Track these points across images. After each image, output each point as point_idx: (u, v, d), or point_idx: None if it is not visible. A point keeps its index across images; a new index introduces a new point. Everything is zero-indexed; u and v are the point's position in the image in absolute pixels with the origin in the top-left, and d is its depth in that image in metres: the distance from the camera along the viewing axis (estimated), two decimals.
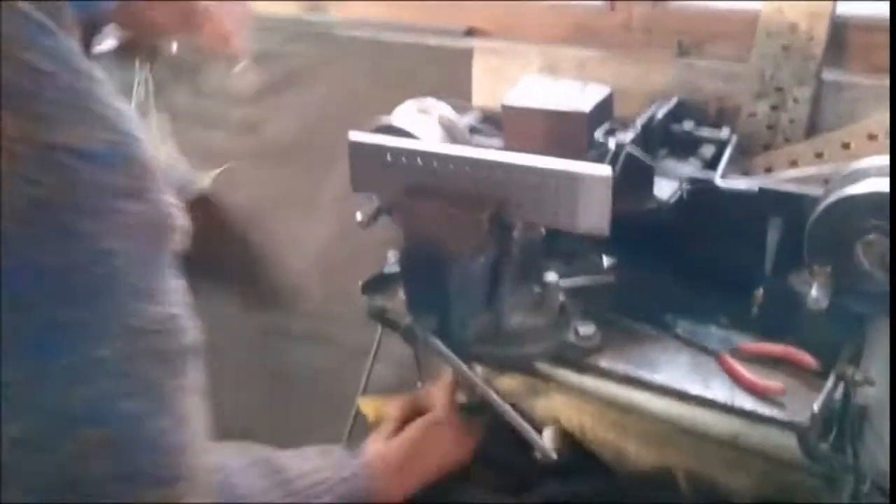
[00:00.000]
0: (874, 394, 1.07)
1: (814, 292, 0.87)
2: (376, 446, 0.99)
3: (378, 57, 1.44)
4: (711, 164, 1.06)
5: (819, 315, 0.90)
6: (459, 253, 0.88)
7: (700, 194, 1.01)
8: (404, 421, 1.05)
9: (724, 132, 1.08)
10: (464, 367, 0.92)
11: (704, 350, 0.98)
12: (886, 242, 0.85)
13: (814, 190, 0.95)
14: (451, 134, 1.15)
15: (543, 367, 1.09)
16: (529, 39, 1.28)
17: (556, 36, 1.27)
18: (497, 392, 1.32)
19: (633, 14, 1.21)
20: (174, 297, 0.62)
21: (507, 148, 1.08)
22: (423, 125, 1.13)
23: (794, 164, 1.05)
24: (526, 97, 1.07)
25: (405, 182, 0.89)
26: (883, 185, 0.86)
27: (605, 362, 0.97)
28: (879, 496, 0.98)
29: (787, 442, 0.92)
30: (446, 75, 1.36)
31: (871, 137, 1.00)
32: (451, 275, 0.89)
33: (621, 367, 0.97)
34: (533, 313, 0.98)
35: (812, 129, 1.06)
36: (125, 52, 0.82)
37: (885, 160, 0.89)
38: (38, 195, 0.51)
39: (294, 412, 1.93)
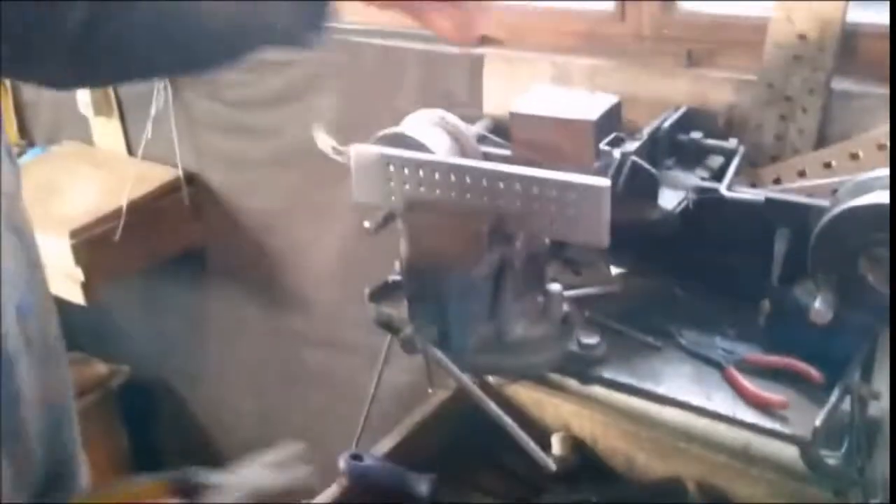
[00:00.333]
0: (886, 407, 1.06)
1: (817, 304, 0.87)
2: None
3: (391, 64, 1.46)
4: (719, 174, 1.05)
5: (826, 327, 0.89)
6: (460, 263, 0.88)
7: (706, 204, 1.01)
8: None
9: (732, 142, 1.07)
10: (463, 377, 0.93)
11: (709, 361, 0.97)
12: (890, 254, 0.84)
13: (821, 201, 0.94)
14: (460, 143, 1.16)
15: (553, 375, 1.10)
16: (541, 48, 1.29)
17: (567, 45, 1.27)
18: (501, 400, 1.34)
19: (644, 23, 1.20)
20: None
21: (515, 156, 1.08)
22: (432, 134, 1.14)
23: (802, 174, 1.04)
24: (534, 105, 1.07)
25: (407, 192, 0.90)
26: (887, 197, 0.86)
27: (608, 373, 0.97)
28: None
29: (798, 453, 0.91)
30: (458, 83, 1.37)
31: (881, 147, 0.99)
32: (452, 285, 0.89)
33: (624, 377, 0.97)
34: (536, 323, 0.98)
35: (821, 140, 1.05)
36: None
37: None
38: None
39: (308, 415, 1.95)
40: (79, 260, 1.70)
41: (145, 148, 1.86)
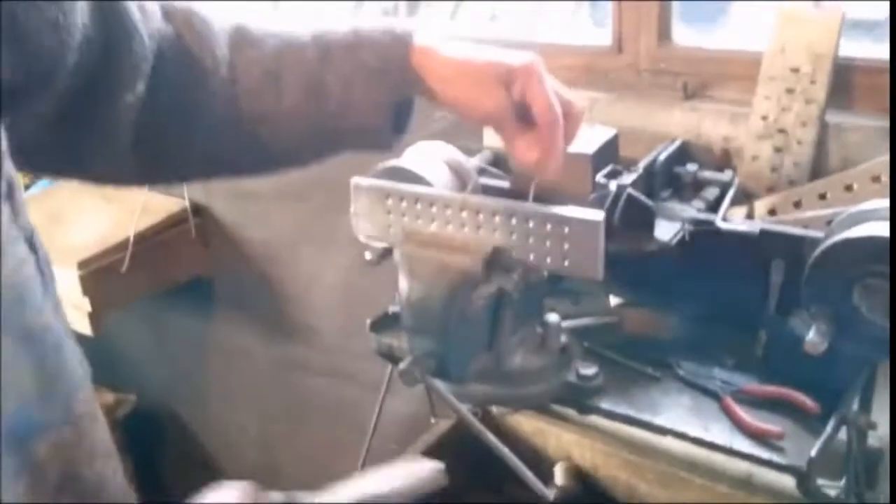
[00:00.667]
0: (886, 436, 1.06)
1: (811, 335, 0.87)
2: None
3: None
4: (715, 205, 1.07)
5: (822, 357, 0.90)
6: (458, 295, 0.89)
7: (702, 236, 1.02)
8: None
9: (727, 174, 1.08)
10: (461, 407, 0.93)
11: (706, 392, 0.98)
12: (884, 286, 0.85)
13: (815, 232, 0.95)
14: (459, 175, 1.17)
15: (555, 405, 1.10)
16: None
17: (566, 78, 1.29)
18: (504, 430, 1.34)
19: (641, 57, 1.22)
20: None
21: (514, 188, 1.09)
22: (431, 167, 1.15)
23: (798, 205, 1.05)
24: None
25: (405, 224, 0.91)
26: (881, 229, 0.87)
27: (606, 403, 0.98)
28: None
29: None
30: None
31: (875, 179, 1.01)
32: (450, 316, 0.90)
33: (623, 408, 0.97)
34: (534, 354, 0.98)
35: (816, 171, 1.07)
36: None
37: (886, 203, 0.90)
38: None
39: (312, 443, 1.95)
40: (86, 290, 1.72)
41: None
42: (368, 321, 1.09)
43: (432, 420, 1.33)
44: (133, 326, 2.16)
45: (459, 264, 0.88)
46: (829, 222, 0.98)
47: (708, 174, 1.10)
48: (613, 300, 1.14)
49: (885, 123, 1.03)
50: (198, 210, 1.90)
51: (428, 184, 1.10)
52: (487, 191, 1.11)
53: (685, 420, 0.94)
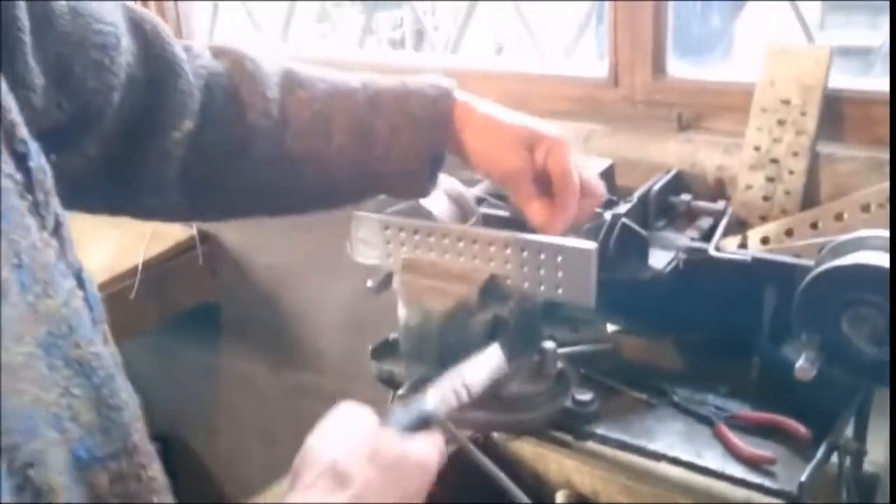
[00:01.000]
0: (880, 461, 1.07)
1: (801, 362, 0.89)
2: None
3: None
4: (709, 234, 1.09)
5: (814, 385, 0.91)
6: (455, 323, 0.91)
7: (696, 264, 1.04)
8: None
9: (721, 204, 1.10)
10: (460, 435, 0.95)
11: (700, 418, 1.00)
12: (872, 314, 0.87)
13: (805, 260, 0.97)
14: (459, 205, 1.20)
15: (556, 431, 1.12)
16: (538, 112, 1.33)
17: (563, 109, 1.32)
18: (505, 455, 1.35)
19: (636, 89, 1.25)
20: None
21: (513, 217, 1.12)
22: (432, 197, 1.18)
23: (789, 234, 1.07)
24: None
25: (404, 254, 0.94)
26: (869, 257, 0.89)
27: (601, 429, 0.99)
28: None
29: None
30: None
31: (864, 209, 1.03)
32: (446, 344, 0.92)
33: (618, 434, 0.99)
34: (531, 380, 1.00)
35: (808, 200, 1.09)
36: None
37: (874, 233, 0.92)
38: None
39: None
40: None
41: None
42: (370, 347, 1.11)
43: None
44: (141, 353, 2.18)
45: (456, 292, 0.90)
46: (820, 250, 1.00)
47: (702, 204, 1.12)
48: (611, 328, 1.16)
49: (875, 154, 1.06)
50: (205, 238, 1.93)
51: (428, 213, 1.13)
52: (487, 220, 1.13)
53: (679, 446, 0.96)
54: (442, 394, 0.70)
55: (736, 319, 1.03)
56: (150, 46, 0.78)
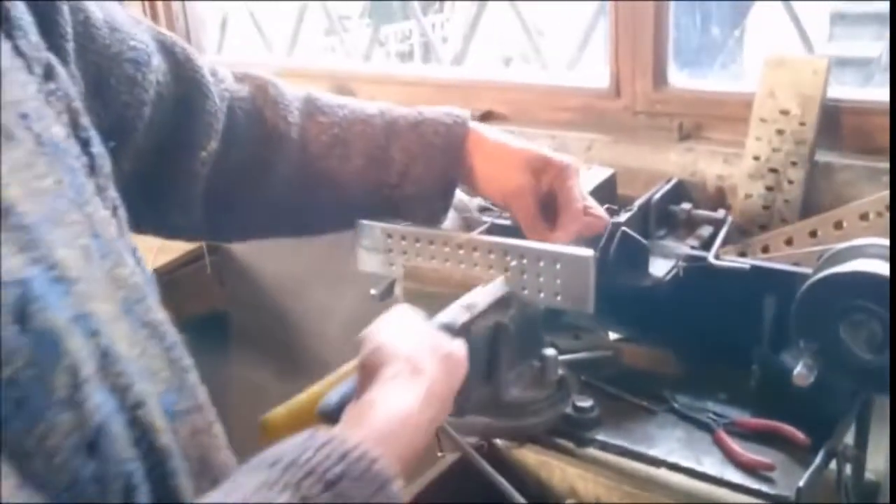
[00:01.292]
0: (881, 469, 1.08)
1: (799, 368, 0.90)
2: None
3: None
4: (709, 243, 1.10)
5: (814, 392, 0.92)
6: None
7: (696, 273, 1.05)
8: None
9: (721, 213, 1.11)
10: (464, 443, 0.96)
11: (700, 425, 1.00)
12: (869, 321, 0.88)
13: (804, 268, 0.98)
14: (462, 214, 1.21)
15: (560, 439, 1.13)
16: (540, 123, 1.35)
17: (565, 119, 1.34)
18: (510, 463, 1.36)
19: (637, 99, 1.27)
20: None
21: (515, 227, 1.13)
22: None
23: (789, 242, 1.08)
24: None
25: (406, 262, 0.95)
26: (867, 265, 0.89)
27: (602, 435, 1.00)
28: None
29: None
30: None
31: (863, 217, 1.04)
32: None
33: (618, 440, 1.00)
34: (532, 387, 1.01)
35: (807, 209, 1.10)
36: None
37: (872, 241, 0.93)
38: None
39: None
40: None
41: None
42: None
43: (439, 454, 1.36)
44: None
45: (457, 300, 0.92)
46: (819, 259, 1.00)
47: (702, 212, 1.13)
48: (613, 335, 1.17)
49: (873, 163, 1.07)
50: (213, 248, 1.95)
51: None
52: (490, 228, 1.15)
53: (678, 452, 0.97)
54: (454, 312, 0.79)
55: (736, 327, 1.03)
56: (180, 68, 0.82)
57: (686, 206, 1.14)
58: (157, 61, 0.79)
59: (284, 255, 1.87)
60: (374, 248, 0.99)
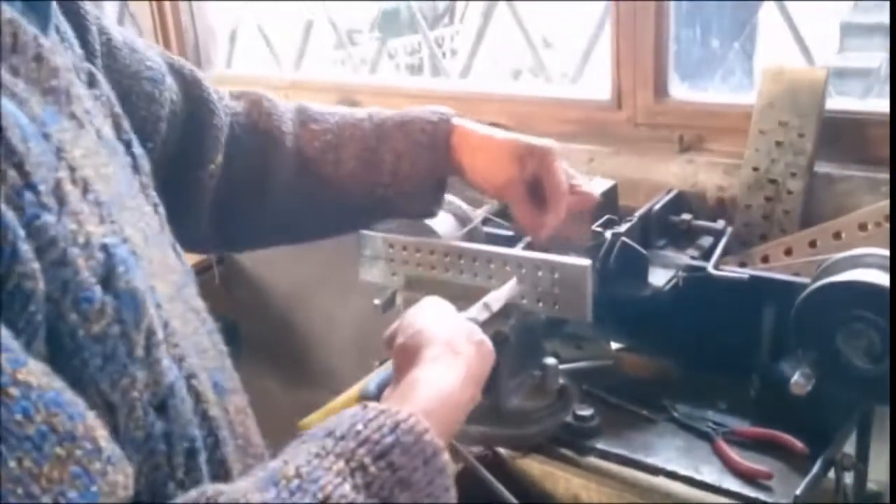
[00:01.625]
0: (881, 479, 1.08)
1: (796, 377, 0.90)
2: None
3: None
4: (709, 253, 1.10)
5: (813, 401, 0.93)
6: None
7: (695, 283, 1.06)
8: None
9: (720, 223, 1.12)
10: (467, 453, 0.97)
11: (700, 434, 1.01)
12: (866, 330, 0.88)
13: (802, 278, 0.99)
14: (466, 225, 1.23)
15: (564, 449, 1.13)
16: (543, 134, 1.36)
17: (568, 131, 1.35)
18: (514, 472, 1.37)
19: (638, 111, 1.28)
20: None
21: (516, 237, 1.15)
22: (438, 217, 1.21)
23: (789, 252, 1.09)
24: None
25: (407, 272, 0.97)
26: (863, 274, 0.90)
27: (602, 444, 1.01)
28: None
29: None
30: None
31: (862, 227, 1.04)
32: None
33: (618, 449, 1.00)
34: (533, 396, 1.02)
35: (806, 219, 1.11)
36: None
37: (869, 250, 0.93)
38: None
39: None
40: None
41: None
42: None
43: None
44: None
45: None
46: (818, 268, 1.01)
47: (702, 223, 1.14)
48: (615, 345, 1.18)
49: (871, 174, 1.08)
50: (222, 258, 1.97)
51: (435, 233, 1.16)
52: (492, 239, 1.16)
53: (678, 461, 0.97)
54: (475, 311, 0.83)
55: (735, 336, 1.04)
56: (189, 87, 0.88)
57: (686, 216, 1.15)
58: (170, 81, 0.85)
59: (291, 266, 1.89)
60: (375, 258, 1.01)
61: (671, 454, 0.99)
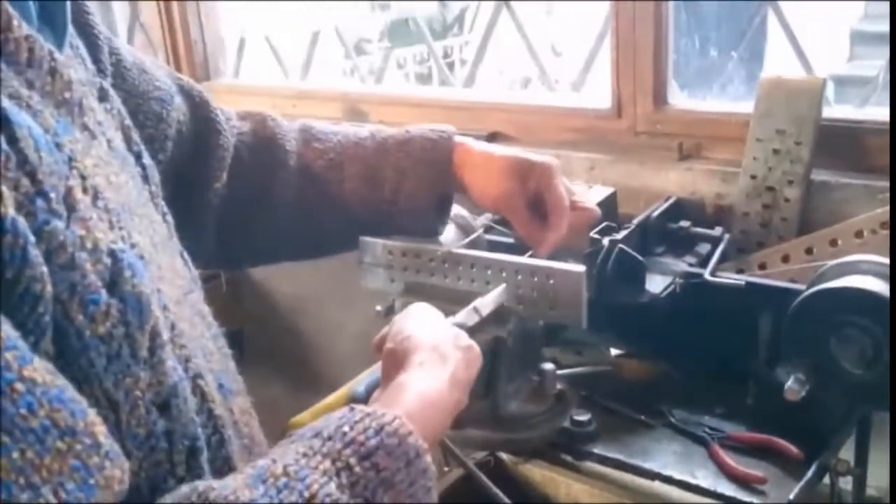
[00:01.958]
0: (881, 485, 1.08)
1: (790, 383, 0.91)
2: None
3: None
4: (706, 260, 1.11)
5: (808, 406, 0.93)
6: None
7: (692, 289, 1.07)
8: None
9: (718, 230, 1.13)
10: (462, 456, 0.98)
11: (696, 439, 1.02)
12: (859, 336, 0.89)
13: (798, 285, 1.00)
14: (467, 233, 1.24)
15: (566, 455, 1.14)
16: (544, 143, 1.38)
17: (568, 139, 1.36)
18: (515, 478, 1.38)
19: (638, 120, 1.29)
20: None
21: (518, 244, 1.16)
22: None
23: (786, 260, 1.10)
24: None
25: (406, 278, 0.98)
26: (857, 281, 0.91)
27: (599, 449, 1.02)
28: None
29: None
30: None
31: (858, 235, 1.05)
32: None
33: (615, 453, 1.01)
34: (530, 400, 1.03)
35: (804, 227, 1.11)
36: None
37: (864, 257, 0.94)
38: None
39: None
40: None
41: None
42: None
43: (444, 469, 1.38)
44: None
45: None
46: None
47: (700, 230, 1.15)
48: (614, 351, 1.19)
49: (868, 182, 1.08)
50: None
51: (436, 241, 1.17)
52: (493, 246, 1.18)
53: (674, 465, 0.98)
54: (463, 316, 0.84)
55: (732, 343, 1.05)
56: (197, 109, 0.91)
57: (685, 223, 1.16)
58: (178, 101, 0.88)
59: (297, 275, 1.91)
60: (375, 265, 1.02)
61: (668, 459, 1.00)
